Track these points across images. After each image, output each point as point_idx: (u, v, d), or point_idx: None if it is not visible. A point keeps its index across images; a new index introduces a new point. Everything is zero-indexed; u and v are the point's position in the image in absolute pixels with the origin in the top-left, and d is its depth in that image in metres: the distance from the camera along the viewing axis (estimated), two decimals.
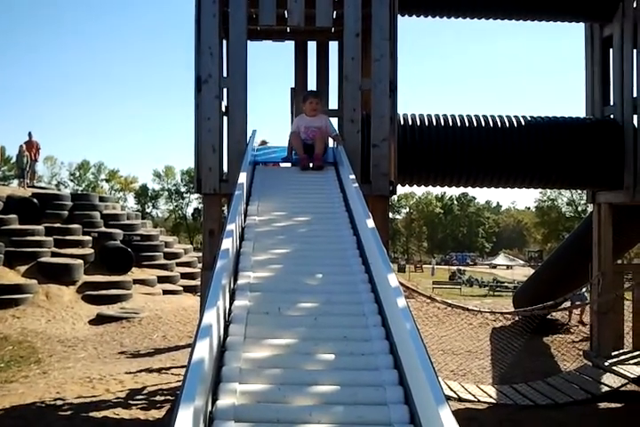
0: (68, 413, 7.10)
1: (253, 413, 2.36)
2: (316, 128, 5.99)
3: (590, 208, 9.54)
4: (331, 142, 6.29)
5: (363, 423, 2.34)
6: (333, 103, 8.30)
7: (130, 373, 9.27)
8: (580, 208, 62.14)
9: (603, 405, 7.32)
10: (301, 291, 3.45)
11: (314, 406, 2.41)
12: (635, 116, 8.01)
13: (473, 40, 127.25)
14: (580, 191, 47.40)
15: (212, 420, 2.29)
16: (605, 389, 7.64)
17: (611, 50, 8.57)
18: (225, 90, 6.66)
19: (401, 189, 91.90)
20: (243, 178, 4.94)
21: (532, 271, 20.67)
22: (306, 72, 8.58)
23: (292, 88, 8.51)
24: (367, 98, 6.60)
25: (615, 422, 6.68)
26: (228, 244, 3.41)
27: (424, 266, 59.41)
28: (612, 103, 8.46)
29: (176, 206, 77.14)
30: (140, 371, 9.40)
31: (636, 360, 8.15)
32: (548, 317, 11.38)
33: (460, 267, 56.40)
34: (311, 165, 5.86)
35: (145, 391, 8.15)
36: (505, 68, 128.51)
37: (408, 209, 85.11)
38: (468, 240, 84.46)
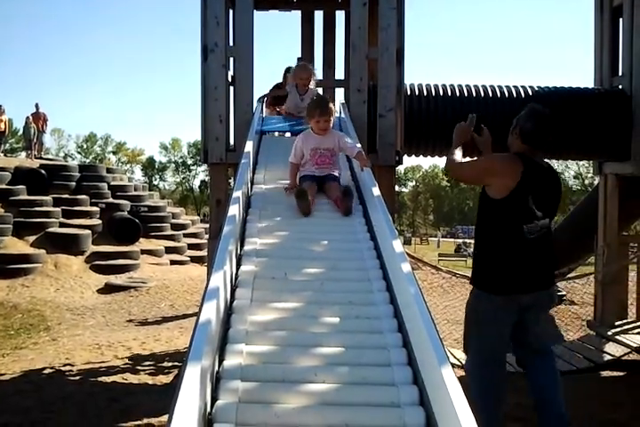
0: (78, 378, 7.24)
1: (259, 373, 2.42)
2: (326, 150, 4.55)
3: (597, 181, 9.52)
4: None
5: (367, 383, 2.39)
6: (340, 73, 8.28)
7: (138, 340, 9.41)
8: (587, 181, 61.88)
9: (605, 373, 7.40)
10: (307, 257, 3.50)
11: (319, 367, 2.47)
12: None
13: (479, 10, 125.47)
14: (587, 165, 47.23)
15: (218, 379, 2.35)
16: (608, 357, 7.70)
17: (620, 19, 8.47)
18: (232, 59, 6.64)
19: (407, 163, 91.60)
20: (249, 146, 4.96)
21: None
22: (312, 42, 8.53)
23: (298, 58, 8.47)
24: (374, 68, 6.57)
25: (616, 389, 6.76)
26: (234, 211, 3.45)
27: (430, 239, 59.53)
28: (620, 73, 8.39)
29: (183, 179, 77.19)
30: (148, 338, 9.54)
31: (638, 330, 8.20)
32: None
33: (466, 240, 56.49)
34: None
35: (153, 358, 8.29)
36: (513, 38, 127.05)
37: (414, 182, 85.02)
38: (473, 213, 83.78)
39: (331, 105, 4.55)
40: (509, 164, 3.90)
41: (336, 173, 4.58)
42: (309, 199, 4.10)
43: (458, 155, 4.26)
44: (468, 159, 4.72)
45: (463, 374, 6.51)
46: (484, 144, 4.50)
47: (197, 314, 2.30)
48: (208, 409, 2.16)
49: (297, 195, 4.14)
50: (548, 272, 3.92)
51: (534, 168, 3.89)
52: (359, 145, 4.93)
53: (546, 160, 4.32)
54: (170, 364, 7.84)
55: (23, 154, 28.04)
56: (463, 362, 7.45)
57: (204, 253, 18.44)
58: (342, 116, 6.40)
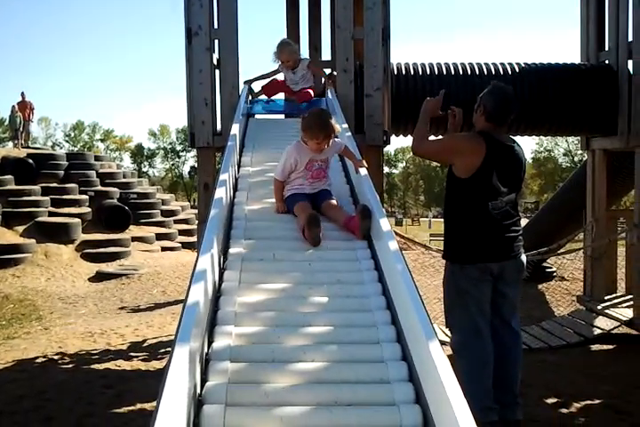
0: (71, 366, 7.23)
1: (248, 353, 2.42)
2: (322, 162, 4.00)
3: (586, 157, 9.52)
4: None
5: (356, 361, 2.40)
6: (326, 54, 8.21)
7: (130, 327, 9.41)
8: (576, 158, 62.07)
9: (595, 347, 7.47)
10: (295, 238, 3.49)
11: (308, 346, 2.47)
12: (629, 62, 7.92)
13: None
14: (576, 142, 47.24)
15: (208, 361, 2.34)
16: (598, 331, 7.76)
17: None
18: (216, 42, 6.57)
19: (397, 144, 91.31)
20: (235, 129, 4.93)
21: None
22: (298, 23, 8.44)
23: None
24: (360, 47, 6.53)
25: (607, 361, 6.83)
26: (221, 193, 3.43)
27: (421, 219, 59.61)
28: (607, 48, 8.36)
29: (172, 165, 76.84)
30: (141, 325, 9.54)
31: (628, 304, 8.27)
32: (543, 264, 11.49)
33: None
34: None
35: (145, 344, 8.29)
36: (500, 14, 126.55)
37: (405, 163, 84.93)
38: None
39: (332, 122, 3.92)
40: (473, 143, 4.02)
41: (329, 187, 4.05)
42: (321, 227, 3.43)
43: (424, 131, 4.32)
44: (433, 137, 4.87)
45: (451, 353, 6.57)
46: (455, 125, 4.54)
47: (185, 297, 2.28)
48: (198, 391, 2.16)
49: (308, 223, 3.40)
50: (514, 244, 4.06)
51: (497, 146, 4.03)
52: (348, 134, 4.77)
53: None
54: (163, 350, 7.84)
55: (10, 144, 27.80)
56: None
57: (194, 238, 18.38)
58: (329, 96, 6.36)
